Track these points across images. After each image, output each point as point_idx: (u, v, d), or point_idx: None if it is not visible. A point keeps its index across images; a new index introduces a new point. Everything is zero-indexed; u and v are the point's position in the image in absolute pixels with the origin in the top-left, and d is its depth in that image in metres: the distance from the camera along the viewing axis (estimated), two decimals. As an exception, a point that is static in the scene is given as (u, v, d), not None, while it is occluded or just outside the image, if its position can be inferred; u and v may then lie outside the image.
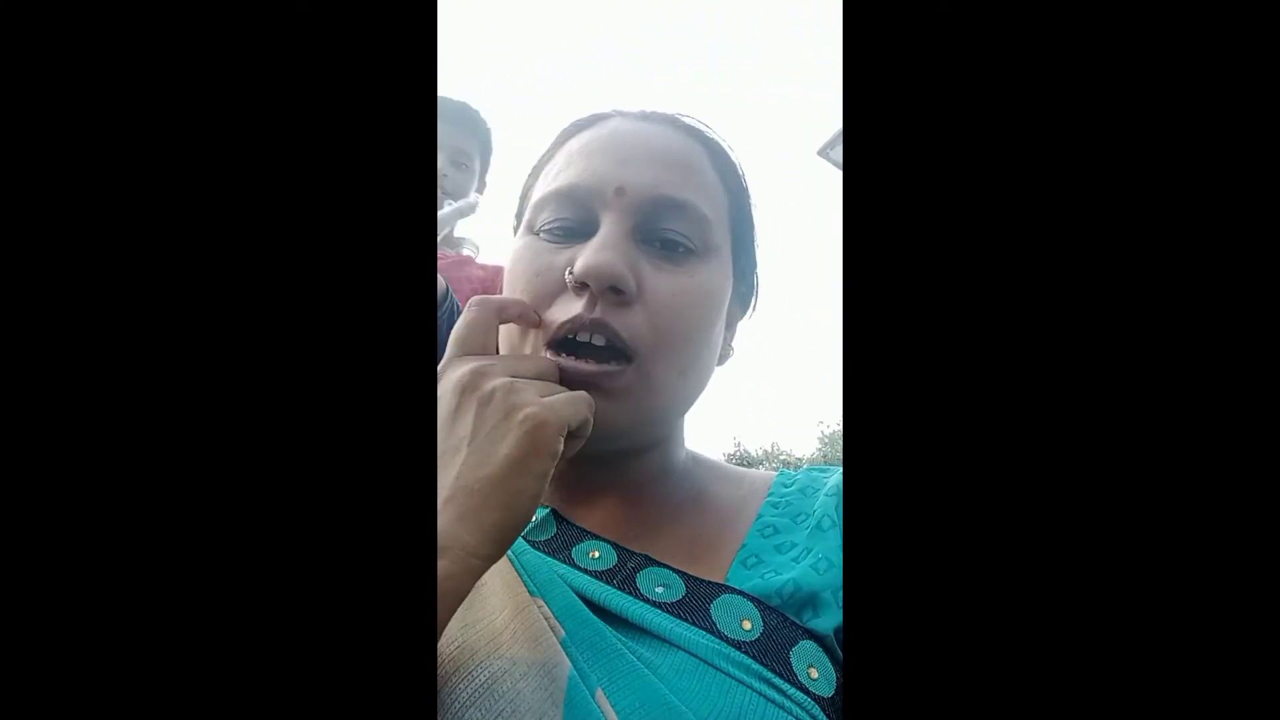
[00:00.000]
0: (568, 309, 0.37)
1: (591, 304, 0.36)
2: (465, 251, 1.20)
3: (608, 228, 0.38)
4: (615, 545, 0.38)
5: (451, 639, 0.31)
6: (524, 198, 0.46)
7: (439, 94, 1.19)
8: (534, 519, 0.40)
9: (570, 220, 0.40)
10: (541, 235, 0.40)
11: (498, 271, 1.17)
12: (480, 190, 1.20)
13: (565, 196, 0.40)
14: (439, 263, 1.06)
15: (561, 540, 0.39)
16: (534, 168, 0.46)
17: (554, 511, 0.41)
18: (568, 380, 0.36)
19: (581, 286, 0.37)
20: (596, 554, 0.37)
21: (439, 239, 1.06)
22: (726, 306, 0.42)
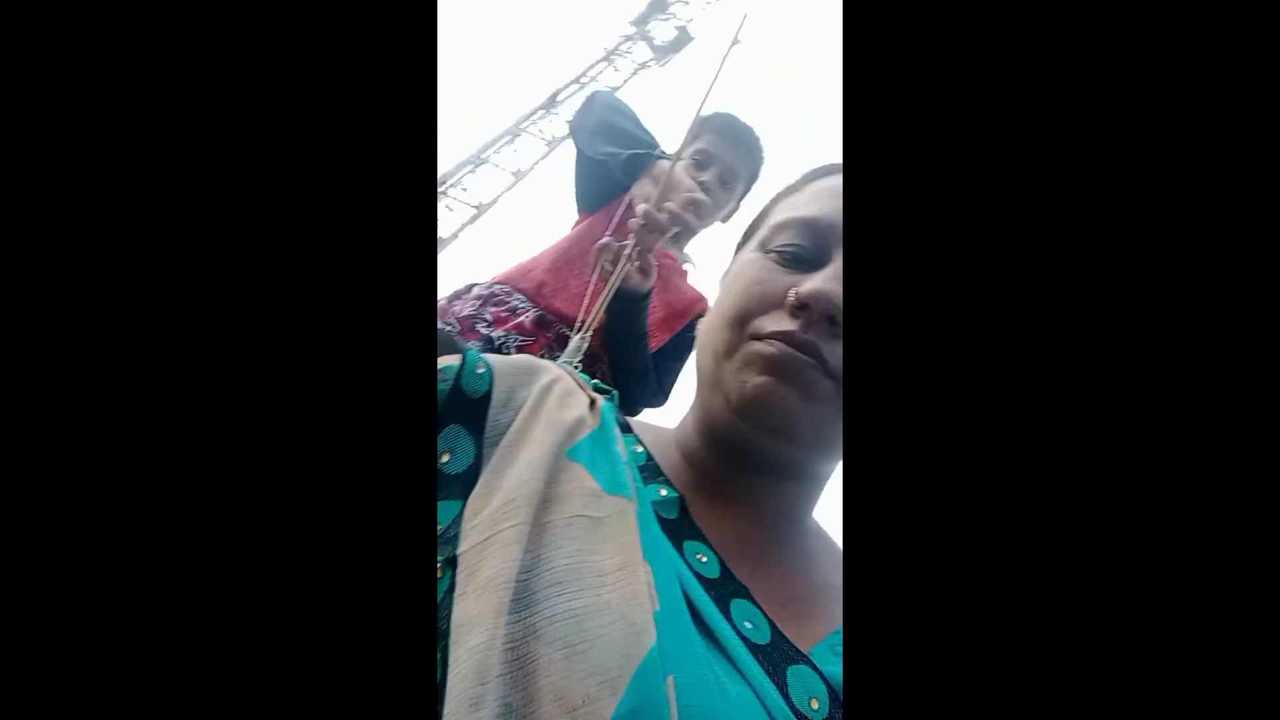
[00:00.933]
0: (779, 323, 0.39)
1: (806, 326, 0.38)
2: (685, 265, 1.22)
3: (839, 264, 0.40)
4: (722, 561, 0.38)
5: (563, 550, 0.32)
6: (760, 219, 0.49)
7: (730, 114, 1.18)
8: (662, 496, 0.41)
9: (804, 248, 0.42)
10: (771, 254, 0.43)
11: (699, 299, 1.18)
12: (728, 217, 1.22)
13: (808, 226, 0.42)
14: (662, 260, 1.07)
15: (678, 529, 0.39)
16: (777, 195, 0.49)
17: (682, 498, 0.41)
18: (780, 354, 0.38)
19: (801, 309, 0.39)
20: (704, 559, 0.38)
21: (672, 237, 1.05)
22: None
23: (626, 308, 1.02)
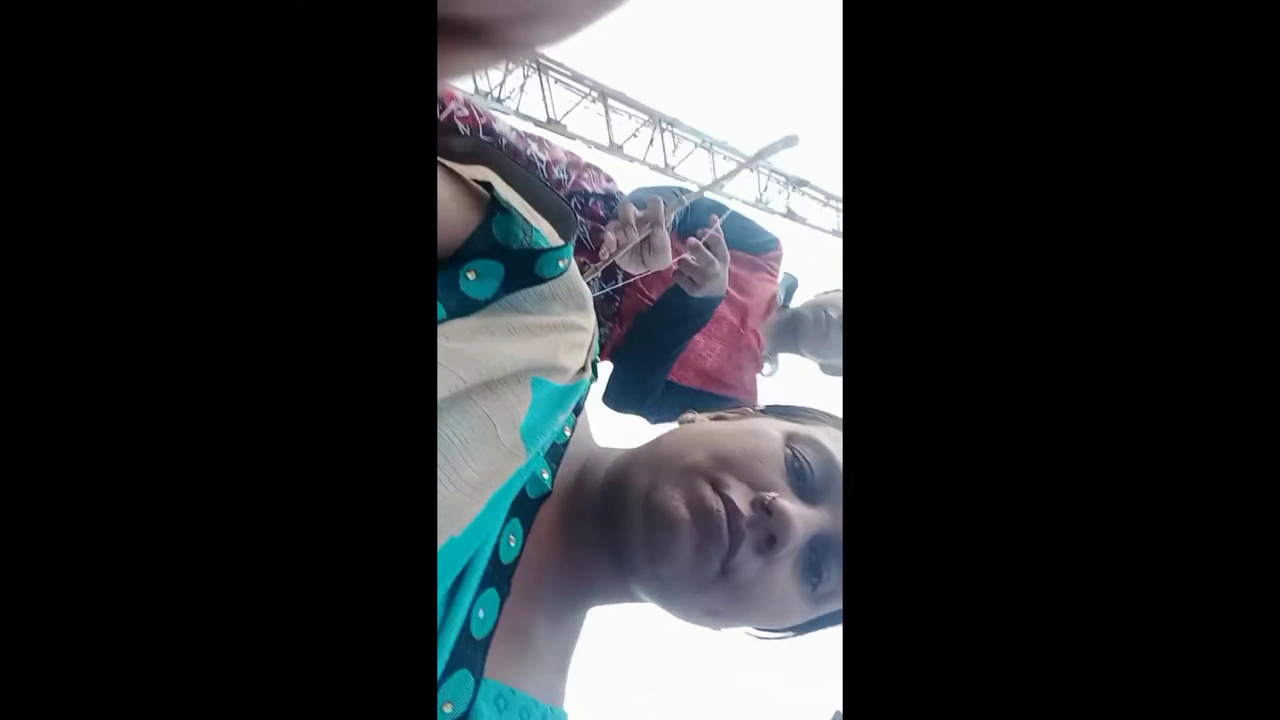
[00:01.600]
0: (741, 496, 0.41)
1: (754, 523, 0.40)
2: (766, 364, 1.21)
3: (824, 515, 0.43)
4: (519, 559, 0.41)
5: (460, 426, 0.35)
6: (799, 410, 0.51)
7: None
8: (543, 478, 0.43)
9: (813, 475, 0.43)
10: (787, 450, 0.44)
11: (751, 393, 1.17)
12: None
13: (828, 464, 0.43)
14: (749, 337, 1.06)
15: (520, 506, 0.41)
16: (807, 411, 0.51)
17: (547, 495, 0.44)
18: (716, 516, 0.41)
19: (765, 512, 0.40)
20: (514, 542, 0.41)
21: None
22: None
23: (672, 305, 1.00)
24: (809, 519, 0.40)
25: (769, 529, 0.39)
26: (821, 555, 0.42)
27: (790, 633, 0.48)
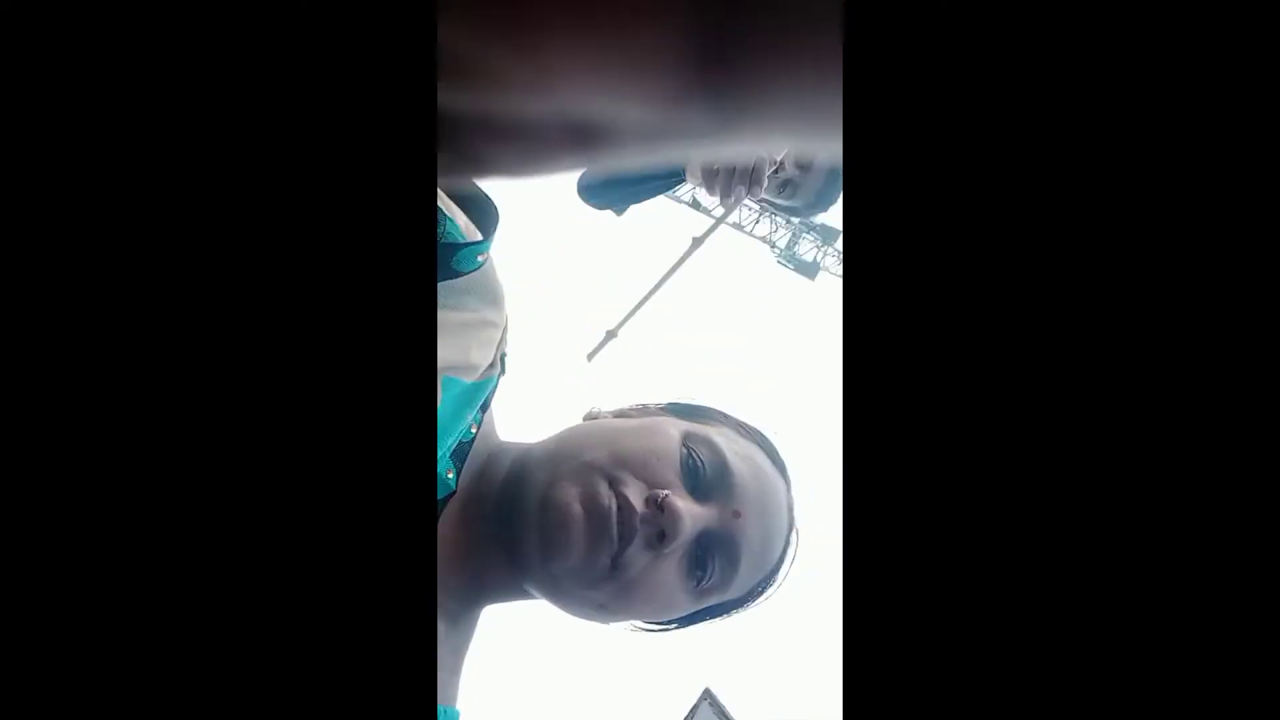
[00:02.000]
0: (635, 493, 0.42)
1: (648, 520, 0.41)
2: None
3: (714, 514, 0.44)
4: None
5: None
6: (698, 411, 0.52)
7: None
8: (448, 477, 0.44)
9: (707, 475, 0.44)
10: (683, 449, 0.45)
11: None
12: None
13: (722, 466, 0.44)
14: None
15: None
16: (711, 413, 0.52)
17: (450, 495, 0.44)
18: (605, 515, 0.42)
19: (657, 509, 0.41)
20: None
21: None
22: None
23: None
24: (698, 516, 0.42)
25: (659, 525, 0.40)
26: (707, 550, 0.43)
27: (675, 625, 0.50)
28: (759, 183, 0.92)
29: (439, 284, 0.40)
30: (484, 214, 0.43)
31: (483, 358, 0.43)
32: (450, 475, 0.43)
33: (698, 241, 1.00)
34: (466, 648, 0.46)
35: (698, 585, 0.44)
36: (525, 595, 0.46)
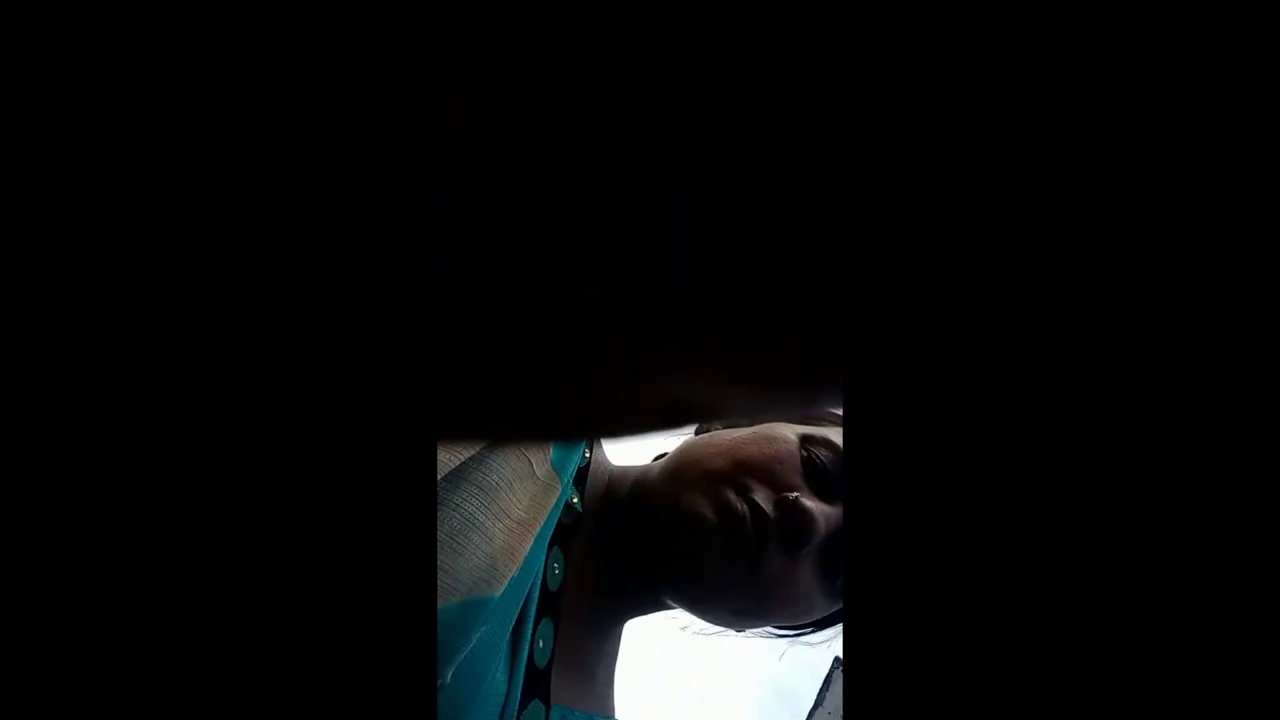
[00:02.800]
0: (766, 499, 0.42)
1: (779, 525, 0.41)
2: None
3: (841, 512, 0.44)
4: (565, 583, 0.42)
5: (499, 464, 0.36)
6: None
7: None
8: (573, 503, 0.44)
9: (832, 474, 0.44)
10: (804, 451, 0.45)
11: None
12: None
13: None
14: None
15: (559, 530, 0.42)
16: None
17: (581, 516, 0.45)
18: (738, 525, 0.42)
19: (791, 514, 0.41)
20: (557, 570, 0.41)
21: None
22: None
23: None
24: (829, 516, 0.41)
25: (794, 527, 0.40)
26: (840, 551, 0.43)
27: (810, 629, 0.50)
28: None
29: None
30: None
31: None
32: (575, 500, 0.44)
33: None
34: (615, 662, 0.47)
35: (834, 585, 0.43)
36: (664, 606, 0.47)
